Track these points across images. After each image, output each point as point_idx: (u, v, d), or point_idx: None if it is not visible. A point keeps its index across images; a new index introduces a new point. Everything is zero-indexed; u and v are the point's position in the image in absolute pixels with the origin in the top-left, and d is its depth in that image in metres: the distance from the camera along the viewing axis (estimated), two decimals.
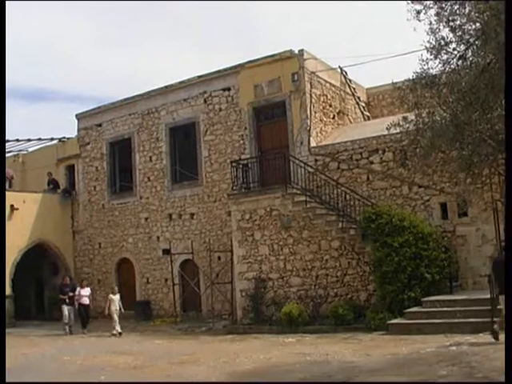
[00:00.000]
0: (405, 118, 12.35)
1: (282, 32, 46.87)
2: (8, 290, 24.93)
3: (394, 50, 40.65)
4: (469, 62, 10.92)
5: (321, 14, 51.82)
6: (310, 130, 21.07)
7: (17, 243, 25.48)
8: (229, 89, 23.10)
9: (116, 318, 20.43)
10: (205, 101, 23.71)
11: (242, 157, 22.11)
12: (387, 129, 12.95)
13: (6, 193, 25.68)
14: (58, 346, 18.22)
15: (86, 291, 21.89)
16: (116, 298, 20.91)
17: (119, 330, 20.08)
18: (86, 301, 21.60)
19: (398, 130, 12.91)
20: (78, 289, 21.78)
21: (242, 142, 22.66)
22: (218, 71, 23.35)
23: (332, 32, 52.21)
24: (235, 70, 22.89)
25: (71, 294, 21.53)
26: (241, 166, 21.05)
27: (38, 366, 14.29)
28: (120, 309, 20.81)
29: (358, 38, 49.91)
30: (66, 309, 21.21)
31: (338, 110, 22.88)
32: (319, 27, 49.94)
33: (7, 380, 9.33)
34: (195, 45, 56.42)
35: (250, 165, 21.19)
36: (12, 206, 25.42)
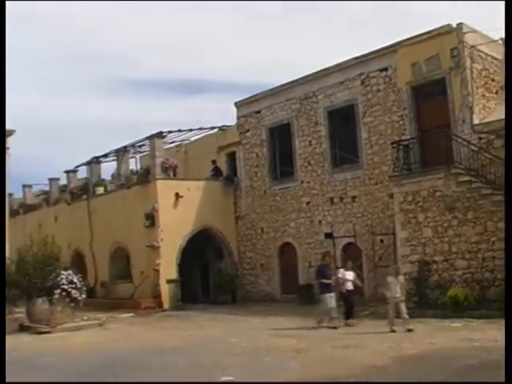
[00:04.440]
0: None
1: (435, 7, 46.00)
2: (175, 275, 27.18)
3: None
4: None
5: None
6: (472, 107, 21.07)
7: (182, 229, 27.57)
8: (386, 69, 23.54)
9: (403, 308, 16.61)
10: (362, 82, 24.34)
11: (403, 137, 22.49)
12: None
13: (171, 181, 27.99)
14: (225, 328, 19.33)
15: (350, 274, 19.02)
16: (397, 280, 17.07)
17: (409, 327, 16.15)
18: (350, 286, 18.83)
19: None
20: (340, 271, 19.23)
21: (401, 122, 23.07)
22: (375, 51, 23.82)
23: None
24: (392, 49, 23.25)
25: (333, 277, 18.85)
26: (401, 146, 21.50)
27: (206, 346, 15.48)
28: (402, 295, 16.84)
29: None
30: (327, 296, 18.19)
31: (501, 85, 22.59)
32: None
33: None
34: (348, 27, 56.88)
35: (410, 145, 21.60)
36: (177, 193, 27.55)
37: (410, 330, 15.90)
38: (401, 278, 17.18)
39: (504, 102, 22.10)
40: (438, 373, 10.75)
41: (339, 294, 18.51)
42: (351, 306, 18.74)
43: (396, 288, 16.71)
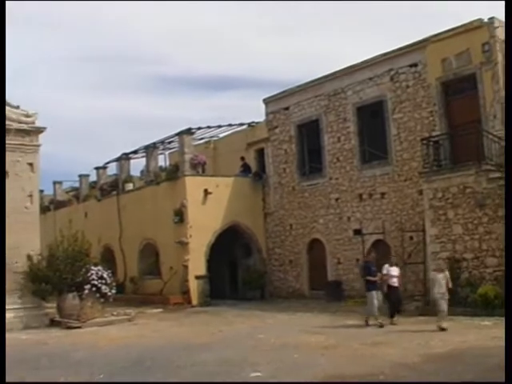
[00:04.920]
0: None
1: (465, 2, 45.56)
2: (203, 271, 27.33)
3: None
4: None
5: None
6: (503, 103, 20.87)
7: (211, 226, 27.69)
8: (415, 65, 23.40)
9: (443, 305, 16.55)
10: (391, 78, 24.23)
11: (432, 134, 22.37)
12: None
13: (200, 178, 28.14)
14: (253, 324, 19.49)
15: (395, 270, 18.83)
16: (442, 276, 16.95)
17: (443, 326, 15.94)
18: (395, 282, 18.59)
19: None
20: (385, 267, 18.79)
21: (431, 118, 22.93)
22: (404, 47, 23.69)
23: None
24: (421, 44, 23.11)
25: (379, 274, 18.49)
26: (431, 143, 21.41)
27: (234, 342, 15.58)
28: (446, 293, 16.71)
29: None
30: (373, 293, 18.00)
31: None
32: None
33: None
34: (376, 22, 56.60)
35: (440, 141, 21.49)
36: (206, 190, 27.69)
37: (443, 329, 15.69)
38: (446, 274, 16.98)
39: None
40: (468, 371, 10.72)
41: (384, 290, 18.32)
42: (397, 302, 18.58)
43: (442, 284, 16.62)
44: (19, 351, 15.31)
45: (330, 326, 18.15)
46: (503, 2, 13.64)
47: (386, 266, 18.84)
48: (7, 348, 15.73)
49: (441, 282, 16.69)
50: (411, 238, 23.25)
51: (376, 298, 17.87)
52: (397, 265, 19.45)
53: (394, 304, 18.43)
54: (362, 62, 25.17)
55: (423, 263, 22.00)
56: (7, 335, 17.98)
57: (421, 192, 21.78)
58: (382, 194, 24.60)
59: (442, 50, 22.39)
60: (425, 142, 21.37)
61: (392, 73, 24.21)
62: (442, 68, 22.47)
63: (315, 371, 11.30)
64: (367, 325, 17.66)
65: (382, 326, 17.32)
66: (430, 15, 51.80)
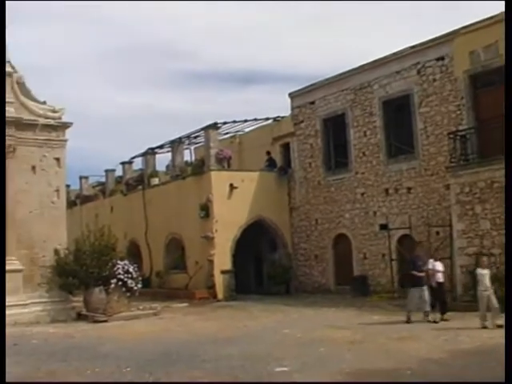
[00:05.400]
0: None
1: None
2: (229, 265, 27.41)
3: None
4: None
5: None
6: None
7: (236, 220, 27.75)
8: (443, 58, 23.19)
9: (494, 301, 15.82)
10: (418, 72, 24.05)
11: (460, 127, 22.18)
12: None
13: (226, 172, 28.20)
14: (278, 319, 19.52)
15: (439, 265, 18.30)
16: (486, 273, 16.49)
17: (498, 323, 14.74)
18: (440, 278, 18.07)
19: None
20: (430, 262, 18.28)
21: (458, 112, 22.71)
22: (431, 40, 23.50)
23: None
24: (449, 37, 22.88)
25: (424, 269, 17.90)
26: (458, 137, 21.24)
27: (260, 337, 15.66)
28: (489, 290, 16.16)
29: None
30: (415, 290, 17.48)
31: None
32: None
33: None
34: (401, 15, 56.22)
35: (468, 135, 21.29)
36: (231, 184, 27.74)
37: (500, 326, 14.25)
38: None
39: None
40: (494, 368, 10.60)
41: (429, 286, 17.68)
42: (444, 298, 18.10)
43: (487, 280, 16.23)
44: (48, 344, 15.56)
45: (356, 320, 18.09)
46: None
47: (431, 260, 18.31)
48: (36, 339, 16.03)
49: (486, 278, 16.25)
50: (437, 233, 23.12)
51: (418, 294, 17.27)
52: (439, 259, 18.88)
53: (441, 300, 17.86)
54: (389, 56, 25.01)
55: (450, 258, 21.82)
56: (35, 328, 18.32)
57: (448, 187, 21.62)
58: (409, 189, 24.46)
59: (469, 42, 22.16)
60: (452, 136, 21.21)
61: (419, 66, 24.03)
62: (470, 61, 22.23)
63: (341, 366, 11.28)
64: (408, 322, 17.05)
65: (436, 322, 16.82)
66: (457, 7, 51.29)
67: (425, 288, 17.42)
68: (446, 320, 17.14)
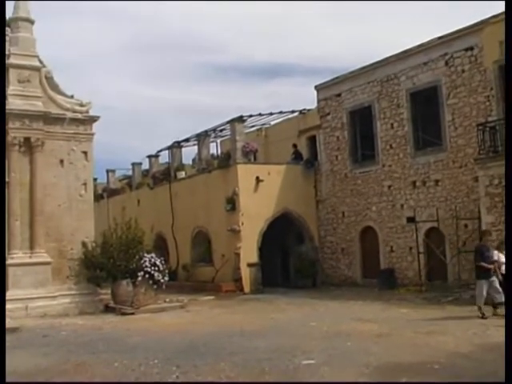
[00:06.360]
0: None
1: None
2: (255, 258, 27.46)
3: None
4: None
5: None
6: None
7: (263, 213, 27.79)
8: (471, 48, 22.94)
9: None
10: (446, 63, 23.82)
11: (489, 119, 21.95)
12: None
13: (252, 165, 28.23)
14: (305, 312, 19.49)
15: (503, 257, 16.61)
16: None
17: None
18: (504, 270, 16.48)
19: None
20: (495, 253, 17.10)
21: (487, 103, 22.48)
22: (459, 30, 23.23)
23: None
24: (478, 27, 22.61)
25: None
26: (488, 128, 21.02)
27: (287, 330, 15.66)
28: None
29: None
30: (483, 282, 16.55)
31: None
32: None
33: None
34: (429, 5, 55.69)
35: (497, 127, 21.04)
36: (257, 177, 27.74)
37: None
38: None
39: None
40: None
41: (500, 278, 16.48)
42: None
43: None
44: (77, 336, 15.73)
45: (383, 314, 18.05)
46: None
47: (496, 252, 17.19)
48: (65, 331, 16.21)
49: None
50: (466, 225, 22.93)
51: (486, 287, 16.34)
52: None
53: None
54: (416, 47, 24.81)
55: None
56: (64, 320, 18.54)
57: (476, 179, 21.43)
58: (436, 182, 24.29)
59: (499, 32, 21.78)
60: (481, 127, 21.00)
61: (447, 57, 23.79)
62: (500, 51, 21.95)
63: (368, 359, 11.25)
64: (483, 317, 16.03)
65: (485, 317, 15.97)
66: None
67: (494, 278, 16.38)
68: (497, 315, 15.85)
